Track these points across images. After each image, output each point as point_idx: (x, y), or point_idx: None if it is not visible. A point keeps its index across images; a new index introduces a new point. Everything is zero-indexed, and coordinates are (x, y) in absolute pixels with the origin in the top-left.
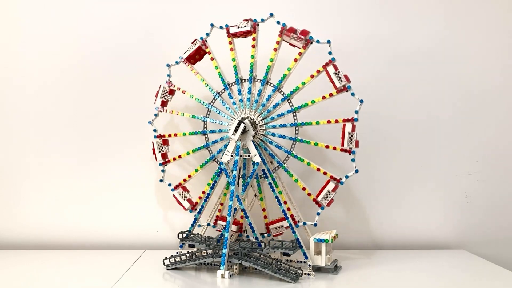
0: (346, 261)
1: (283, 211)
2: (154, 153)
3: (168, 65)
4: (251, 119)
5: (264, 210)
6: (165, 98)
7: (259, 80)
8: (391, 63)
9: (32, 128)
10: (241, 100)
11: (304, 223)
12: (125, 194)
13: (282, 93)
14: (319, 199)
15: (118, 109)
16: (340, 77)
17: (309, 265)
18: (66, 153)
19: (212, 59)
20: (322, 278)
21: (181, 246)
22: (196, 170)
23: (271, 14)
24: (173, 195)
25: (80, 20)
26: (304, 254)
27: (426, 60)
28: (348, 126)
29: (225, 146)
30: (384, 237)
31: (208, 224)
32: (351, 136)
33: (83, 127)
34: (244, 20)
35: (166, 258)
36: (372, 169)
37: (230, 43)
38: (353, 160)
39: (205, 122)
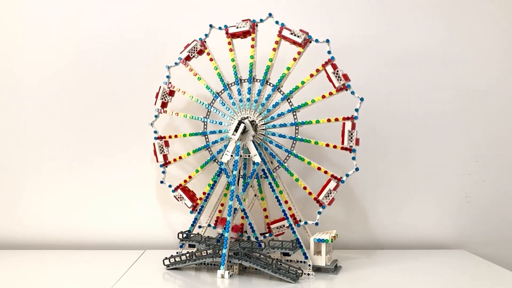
0: (346, 261)
1: (283, 211)
2: (155, 154)
3: (168, 67)
4: (251, 119)
5: (265, 210)
6: (165, 99)
7: (258, 80)
8: (391, 63)
9: (32, 128)
10: (240, 100)
11: (306, 222)
12: (125, 194)
13: (281, 92)
14: (320, 198)
15: (118, 109)
16: (339, 76)
17: (309, 265)
18: (66, 153)
19: (211, 59)
20: (322, 278)
21: (181, 246)
22: (197, 171)
23: (270, 14)
24: (174, 196)
25: (80, 20)
26: (304, 254)
27: (426, 60)
28: (348, 124)
29: (225, 146)
30: (384, 237)
31: (209, 225)
32: (351, 134)
33: (83, 127)
34: (243, 21)
35: (166, 258)
36: (372, 169)
37: (229, 43)
38: (353, 158)
39: (205, 123)
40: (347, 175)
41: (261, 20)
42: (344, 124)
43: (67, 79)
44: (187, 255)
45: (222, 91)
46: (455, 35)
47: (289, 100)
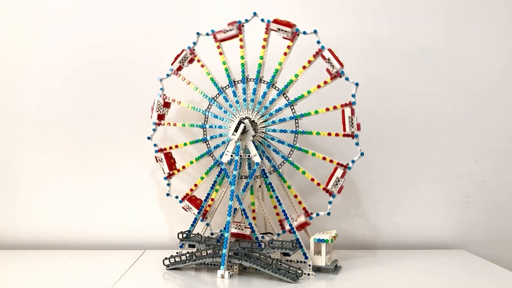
0: (346, 261)
1: (283, 211)
2: (168, 164)
3: (160, 79)
4: (250, 119)
5: (275, 207)
6: (161, 112)
7: (252, 80)
8: (392, 62)
9: (32, 129)
10: (237, 102)
11: (317, 214)
12: (125, 194)
13: (276, 88)
14: (329, 187)
15: (118, 109)
16: (332, 63)
17: (309, 265)
18: (66, 153)
19: (202, 66)
20: (322, 278)
21: (181, 246)
22: (202, 178)
23: (255, 13)
24: (182, 207)
25: (84, 23)
26: (304, 254)
27: (426, 60)
28: (347, 111)
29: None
30: (384, 237)
31: (208, 224)
32: (352, 120)
33: (83, 127)
34: (228, 24)
35: (166, 258)
36: (372, 169)
37: (218, 47)
38: (357, 144)
39: (205, 129)
40: (353, 161)
41: (247, 21)
42: (343, 111)
43: (68, 79)
44: (187, 255)
45: (218, 95)
46: (456, 35)
47: (285, 95)
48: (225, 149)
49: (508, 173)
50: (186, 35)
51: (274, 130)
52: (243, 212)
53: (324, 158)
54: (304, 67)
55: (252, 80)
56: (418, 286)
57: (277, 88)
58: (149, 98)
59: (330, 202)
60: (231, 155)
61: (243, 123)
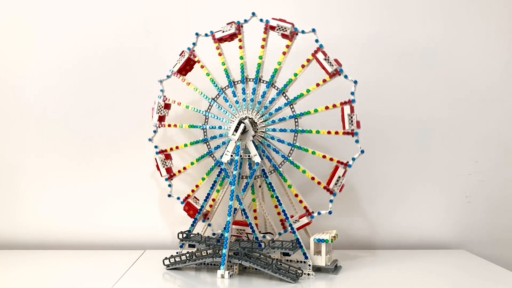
0: (346, 261)
1: (283, 210)
2: (158, 169)
3: (160, 81)
4: (250, 119)
5: (276, 207)
6: (161, 113)
7: (251, 80)
8: (392, 62)
9: (32, 129)
10: (237, 102)
11: (319, 213)
12: (125, 194)
13: (276, 88)
14: (330, 186)
15: (118, 109)
16: (330, 62)
17: (309, 265)
18: (66, 153)
19: (202, 67)
20: (322, 278)
21: (181, 246)
22: (203, 179)
23: (253, 13)
24: (183, 209)
25: (82, 21)
26: (304, 254)
27: (427, 60)
28: (347, 108)
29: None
30: (384, 237)
31: (209, 225)
32: (351, 117)
33: (83, 127)
34: (227, 24)
35: (166, 258)
36: (372, 169)
37: (217, 48)
38: (357, 141)
39: (205, 130)
40: (353, 159)
41: (246, 21)
42: (342, 109)
43: (68, 80)
44: (187, 255)
45: (218, 96)
46: (456, 35)
47: (284, 94)
48: (225, 149)
49: (508, 173)
50: (186, 35)
51: (274, 130)
52: (243, 212)
53: (324, 157)
54: (303, 66)
55: (251, 80)
56: (418, 286)
57: (276, 88)
58: (150, 98)
59: (331, 201)
60: (231, 155)
61: (243, 123)
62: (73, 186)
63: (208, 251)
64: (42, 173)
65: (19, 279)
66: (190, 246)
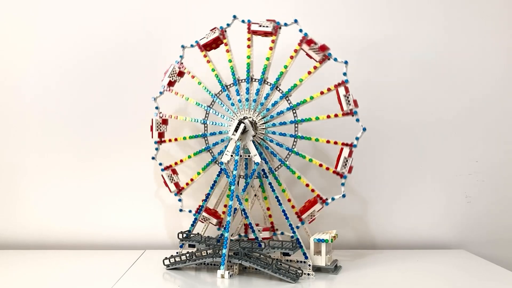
0: (346, 261)
1: (283, 211)
2: (166, 185)
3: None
4: (250, 118)
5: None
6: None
7: (256, 80)
8: (392, 63)
9: (32, 129)
10: (239, 101)
11: (333, 198)
12: (125, 194)
13: (280, 91)
14: (338, 169)
15: (118, 109)
16: (316, 50)
17: (309, 265)
18: (66, 153)
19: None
20: (322, 278)
21: (181, 246)
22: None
23: (234, 16)
24: (199, 220)
25: (82, 21)
26: (304, 254)
27: (427, 61)
28: (342, 90)
29: (226, 147)
30: (384, 237)
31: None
32: (347, 97)
33: (83, 127)
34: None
35: (166, 258)
36: (372, 169)
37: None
38: (357, 120)
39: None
40: (357, 138)
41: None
42: (337, 91)
43: (68, 81)
44: (187, 255)
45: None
46: (456, 37)
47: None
48: (225, 149)
49: (508, 173)
50: (186, 35)
51: (274, 133)
52: (243, 212)
53: (328, 141)
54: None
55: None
56: (418, 286)
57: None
58: (150, 98)
59: (343, 184)
60: (231, 155)
61: (243, 123)
62: (73, 186)
63: (208, 251)
64: (42, 173)
65: (19, 279)
66: (190, 246)
